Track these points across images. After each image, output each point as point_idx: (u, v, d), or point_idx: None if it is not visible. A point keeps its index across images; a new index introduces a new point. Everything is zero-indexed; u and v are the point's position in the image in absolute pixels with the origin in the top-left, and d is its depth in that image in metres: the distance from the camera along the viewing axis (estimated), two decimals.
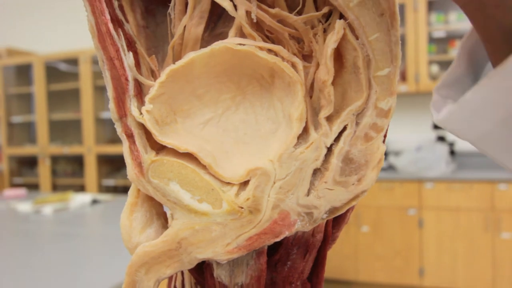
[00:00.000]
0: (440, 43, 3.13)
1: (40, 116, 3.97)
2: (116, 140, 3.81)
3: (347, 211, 0.29)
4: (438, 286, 2.72)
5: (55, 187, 4.06)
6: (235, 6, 0.25)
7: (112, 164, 3.99)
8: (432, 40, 3.10)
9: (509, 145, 0.23)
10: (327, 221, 0.28)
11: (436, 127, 3.09)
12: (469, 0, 0.22)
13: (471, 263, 2.64)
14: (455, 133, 0.24)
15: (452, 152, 3.07)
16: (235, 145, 0.25)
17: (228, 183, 0.24)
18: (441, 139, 3.08)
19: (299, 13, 0.25)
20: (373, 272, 2.86)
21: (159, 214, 0.26)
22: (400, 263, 2.80)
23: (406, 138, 3.23)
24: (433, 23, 3.03)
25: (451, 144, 3.08)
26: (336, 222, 0.29)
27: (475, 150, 3.25)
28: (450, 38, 3.06)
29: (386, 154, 3.12)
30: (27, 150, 4.09)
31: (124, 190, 3.75)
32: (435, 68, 3.04)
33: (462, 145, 3.14)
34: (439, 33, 3.02)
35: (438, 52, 3.11)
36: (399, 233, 2.80)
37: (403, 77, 3.08)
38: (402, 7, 2.99)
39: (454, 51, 3.01)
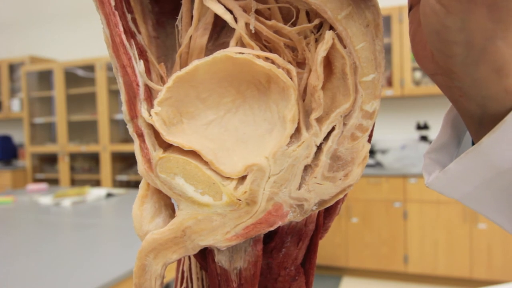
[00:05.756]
0: None
1: (60, 117, 3.97)
2: (128, 140, 3.81)
3: (337, 203, 0.29)
4: (421, 272, 2.72)
5: (74, 182, 4.06)
6: (235, 19, 0.25)
7: (125, 161, 3.99)
8: None
9: (487, 203, 0.25)
10: (319, 212, 0.28)
11: (419, 127, 3.09)
12: (443, 90, 0.25)
13: (450, 251, 2.64)
14: (442, 193, 0.27)
15: None
16: (235, 144, 0.25)
17: (228, 178, 0.24)
18: (424, 138, 3.08)
19: (293, 24, 0.25)
20: (362, 259, 2.86)
21: (167, 205, 0.26)
22: (387, 251, 2.80)
23: (392, 137, 3.23)
24: None
25: None
26: (327, 213, 0.30)
27: None
28: None
29: (374, 152, 3.12)
30: (48, 148, 4.09)
31: (136, 184, 3.75)
32: (418, 74, 3.04)
33: None
34: None
35: None
36: (385, 224, 2.80)
37: (389, 83, 3.08)
38: (388, 19, 2.99)
39: None
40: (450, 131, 0.29)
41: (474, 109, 0.23)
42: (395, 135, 3.24)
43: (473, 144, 0.26)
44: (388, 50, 3.04)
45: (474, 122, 0.24)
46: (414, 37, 0.25)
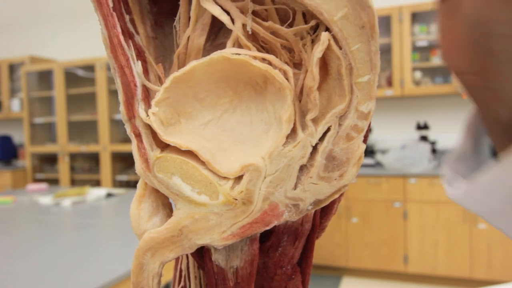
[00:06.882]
0: (423, 51, 3.13)
1: (60, 117, 3.97)
2: (128, 140, 3.79)
3: (334, 203, 0.29)
4: (421, 272, 2.72)
5: (74, 182, 4.07)
6: (232, 20, 0.25)
7: (125, 161, 3.99)
8: (415, 48, 3.10)
9: None
10: (315, 211, 0.29)
11: (419, 127, 3.09)
12: (470, 90, 0.22)
13: (450, 251, 2.64)
14: (466, 207, 0.25)
15: (434, 151, 3.07)
16: (232, 144, 0.25)
17: (225, 178, 0.24)
18: (424, 138, 3.08)
19: (290, 25, 0.25)
20: (362, 259, 2.86)
21: (164, 204, 0.26)
22: (387, 251, 2.80)
23: (392, 137, 3.23)
24: (416, 33, 3.03)
25: (432, 143, 3.08)
26: (324, 213, 0.30)
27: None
28: (432, 47, 3.06)
29: (374, 152, 3.12)
30: (48, 148, 4.09)
31: (136, 184, 3.74)
32: (418, 74, 3.04)
33: (443, 144, 3.15)
34: (422, 43, 3.02)
35: (421, 59, 3.11)
36: (385, 224, 2.80)
37: (389, 83, 3.08)
38: (388, 19, 2.99)
39: (436, 59, 3.00)
40: (472, 141, 0.26)
41: (504, 113, 0.21)
42: (395, 135, 3.24)
43: (492, 153, 0.24)
44: (388, 50, 3.04)
45: (499, 127, 0.21)
46: (446, 31, 0.22)
